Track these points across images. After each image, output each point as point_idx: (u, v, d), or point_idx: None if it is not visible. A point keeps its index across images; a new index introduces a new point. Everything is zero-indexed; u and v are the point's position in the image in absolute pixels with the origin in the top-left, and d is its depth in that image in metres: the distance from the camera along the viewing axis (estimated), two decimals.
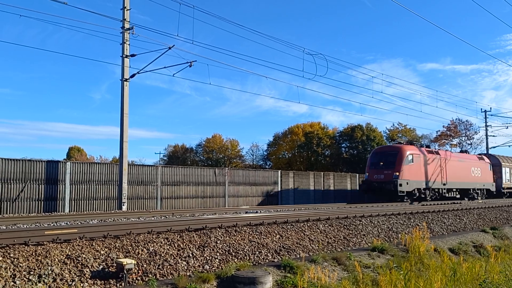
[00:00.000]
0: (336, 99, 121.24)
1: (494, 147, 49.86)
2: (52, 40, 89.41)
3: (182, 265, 8.09)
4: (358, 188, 35.66)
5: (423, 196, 28.59)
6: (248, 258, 9.11)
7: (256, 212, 15.39)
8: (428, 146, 34.82)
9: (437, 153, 31.55)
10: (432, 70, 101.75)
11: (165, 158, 77.75)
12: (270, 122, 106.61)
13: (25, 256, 7.05)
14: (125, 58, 18.72)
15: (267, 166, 67.23)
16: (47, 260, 7.05)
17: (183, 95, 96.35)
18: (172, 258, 8.22)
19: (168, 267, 7.88)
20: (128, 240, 8.47)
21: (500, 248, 13.61)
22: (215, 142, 71.18)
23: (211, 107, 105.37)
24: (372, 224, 13.79)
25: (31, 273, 6.64)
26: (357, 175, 37.98)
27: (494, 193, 37.08)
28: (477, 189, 34.70)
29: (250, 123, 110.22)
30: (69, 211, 19.67)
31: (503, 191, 38.29)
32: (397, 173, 26.39)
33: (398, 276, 8.69)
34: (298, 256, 9.72)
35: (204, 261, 8.48)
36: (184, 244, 8.93)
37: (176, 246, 8.75)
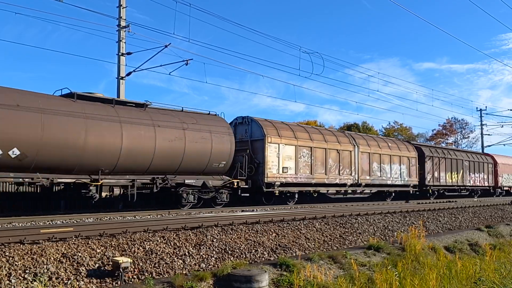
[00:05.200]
0: (333, 98, 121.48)
1: (489, 146, 50.19)
2: (51, 40, 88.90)
3: (179, 264, 8.09)
4: None
5: None
6: (244, 256, 9.12)
7: (253, 210, 15.40)
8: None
9: None
10: (428, 69, 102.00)
11: None
12: None
13: (21, 254, 7.02)
14: (121, 56, 18.63)
15: None
16: (42, 258, 7.03)
17: (181, 94, 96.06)
18: (169, 256, 8.21)
19: (165, 265, 7.87)
20: (124, 239, 8.45)
21: (495, 246, 13.69)
22: None
23: (209, 106, 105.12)
24: (368, 223, 13.83)
25: (27, 271, 6.62)
26: None
27: None
28: None
29: None
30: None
31: None
32: None
33: (394, 275, 8.73)
34: (295, 254, 9.74)
35: (201, 260, 8.48)
36: (180, 242, 8.93)
37: (172, 244, 8.74)
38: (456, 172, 30.99)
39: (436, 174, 28.76)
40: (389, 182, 24.79)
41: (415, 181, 26.96)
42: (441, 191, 29.75)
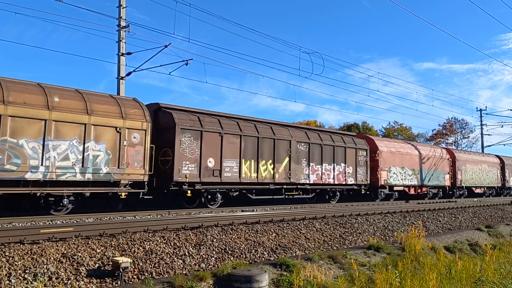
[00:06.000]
0: (333, 98, 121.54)
1: (489, 146, 50.13)
2: (51, 40, 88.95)
3: (178, 264, 8.09)
4: None
5: None
6: (244, 256, 9.12)
7: (253, 210, 15.40)
8: None
9: None
10: (428, 69, 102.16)
11: None
12: None
13: (21, 254, 7.03)
14: (121, 56, 18.64)
15: None
16: (42, 258, 7.03)
17: (181, 94, 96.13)
18: (168, 256, 8.21)
19: (164, 265, 7.87)
20: (124, 239, 8.45)
21: (495, 246, 13.69)
22: None
23: (209, 106, 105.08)
24: (368, 223, 13.83)
25: (27, 271, 6.62)
26: None
27: None
28: None
29: None
30: None
31: None
32: None
33: (394, 275, 8.73)
34: (295, 254, 9.74)
35: (200, 260, 8.48)
36: (180, 242, 8.93)
37: (172, 244, 8.74)
38: (272, 161, 17.97)
39: (211, 164, 15.69)
40: (37, 176, 11.64)
41: (139, 174, 13.79)
42: (234, 192, 16.95)
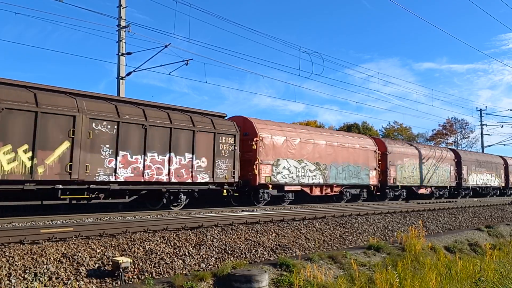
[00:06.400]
0: (333, 98, 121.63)
1: (489, 146, 50.10)
2: (51, 40, 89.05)
3: (178, 264, 8.09)
4: None
5: None
6: (244, 256, 9.11)
7: (252, 210, 15.40)
8: None
9: None
10: (428, 70, 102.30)
11: None
12: None
13: (21, 254, 7.03)
14: (121, 56, 18.64)
15: None
16: (42, 258, 7.03)
17: (181, 94, 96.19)
18: (168, 256, 8.21)
19: (164, 265, 7.87)
20: (124, 239, 8.45)
21: (495, 246, 13.69)
22: None
23: (209, 106, 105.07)
24: (368, 223, 13.83)
25: (27, 271, 6.62)
26: None
27: None
28: None
29: None
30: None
31: None
32: None
33: (394, 275, 8.73)
34: (295, 254, 9.74)
35: (200, 260, 8.48)
36: (180, 242, 8.93)
37: (172, 244, 8.74)
38: (30, 147, 11.41)
39: None
40: None
41: None
42: None
